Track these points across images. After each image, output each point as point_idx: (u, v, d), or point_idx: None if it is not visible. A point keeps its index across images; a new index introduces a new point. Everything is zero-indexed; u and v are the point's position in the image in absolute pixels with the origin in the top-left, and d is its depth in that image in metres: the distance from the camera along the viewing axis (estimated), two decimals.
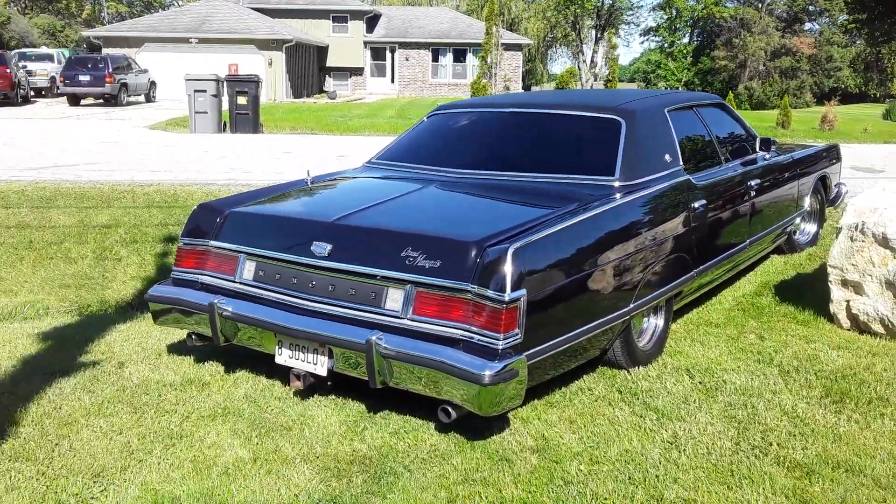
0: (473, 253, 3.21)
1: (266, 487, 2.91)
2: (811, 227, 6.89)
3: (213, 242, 4.06)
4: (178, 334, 4.68)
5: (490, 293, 3.09)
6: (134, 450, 3.21)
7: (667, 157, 4.46)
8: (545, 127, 4.69)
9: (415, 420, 3.43)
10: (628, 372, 3.96)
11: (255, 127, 17.34)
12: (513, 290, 3.09)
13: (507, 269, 3.10)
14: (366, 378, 3.36)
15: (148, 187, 9.45)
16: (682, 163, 4.53)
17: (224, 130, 17.37)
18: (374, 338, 3.25)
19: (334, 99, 34.03)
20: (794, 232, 6.51)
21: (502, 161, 4.55)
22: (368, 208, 3.88)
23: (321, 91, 39.09)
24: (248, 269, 3.91)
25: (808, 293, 5.39)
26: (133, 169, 10.93)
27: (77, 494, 2.87)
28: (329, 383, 3.66)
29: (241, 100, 17.04)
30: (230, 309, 3.78)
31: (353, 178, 4.86)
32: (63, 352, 4.51)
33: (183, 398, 3.73)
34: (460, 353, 3.11)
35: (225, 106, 17.25)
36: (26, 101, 26.77)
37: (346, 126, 19.28)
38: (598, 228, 3.68)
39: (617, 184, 4.07)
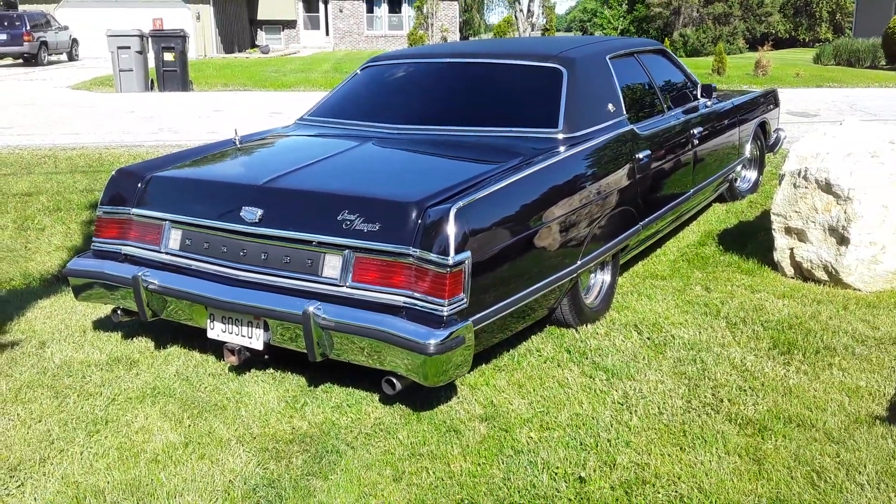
0: (414, 214, 3.03)
1: (199, 474, 2.73)
2: (752, 175, 6.89)
3: (134, 210, 3.78)
4: (104, 310, 4.40)
5: (433, 257, 2.91)
6: (55, 439, 2.98)
7: (610, 106, 4.32)
8: (484, 78, 4.49)
9: (358, 393, 3.27)
10: (576, 330, 3.87)
11: (185, 84, 16.64)
12: (457, 252, 2.92)
13: (450, 230, 2.93)
14: (304, 351, 3.17)
15: (71, 151, 8.94)
16: (625, 112, 4.39)
17: (152, 89, 16.64)
18: (311, 308, 3.06)
19: (267, 53, 33.00)
20: (736, 179, 6.50)
21: (440, 115, 4.35)
22: (301, 169, 3.64)
23: (253, 45, 37.86)
24: (174, 239, 3.65)
25: (750, 242, 5.38)
26: (54, 132, 10.35)
27: None
28: (266, 357, 3.46)
29: (168, 56, 16.31)
30: (156, 282, 3.53)
31: (285, 136, 4.59)
32: None
33: (109, 379, 3.49)
34: (403, 321, 2.94)
35: (151, 63, 16.50)
36: None
37: (281, 82, 18.68)
38: (544, 184, 3.53)
39: (560, 136, 3.91)
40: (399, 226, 3.04)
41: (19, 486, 2.69)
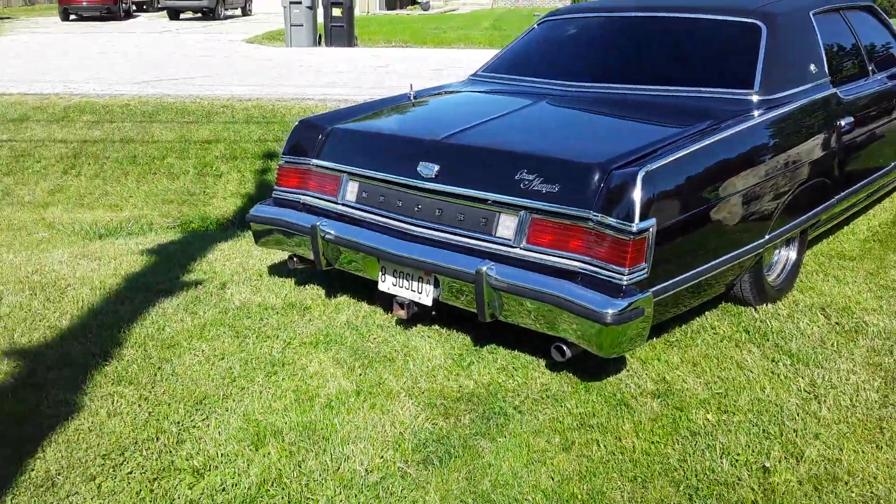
0: (597, 177, 2.90)
1: (370, 423, 2.78)
2: None
3: (314, 161, 3.88)
4: (280, 255, 4.59)
5: (615, 222, 2.78)
6: (236, 377, 3.14)
7: (812, 67, 3.95)
8: (673, 33, 4.21)
9: (523, 356, 3.22)
10: (755, 309, 3.62)
11: (350, 40, 17.03)
12: (641, 219, 2.77)
13: (636, 195, 2.78)
14: (472, 310, 3.15)
15: (247, 102, 9.39)
16: (827, 74, 4.01)
17: (319, 44, 17.17)
18: (484, 268, 3.01)
19: (427, 10, 33.18)
20: None
21: (624, 73, 4.13)
22: (478, 126, 3.58)
23: (414, 3, 38.19)
24: (351, 190, 3.71)
25: None
26: (232, 83, 10.90)
27: (178, 422, 2.82)
28: (433, 313, 3.48)
29: (336, 12, 16.70)
30: (332, 232, 3.61)
31: (459, 92, 4.54)
32: (166, 270, 4.50)
33: (284, 323, 3.64)
34: (580, 287, 2.84)
35: (320, 19, 16.99)
36: (128, 15, 27.26)
37: (441, 38, 18.72)
38: (735, 150, 3.28)
39: (756, 98, 3.61)
40: (580, 188, 2.92)
41: (204, 419, 2.85)
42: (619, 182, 2.84)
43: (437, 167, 3.32)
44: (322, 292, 4.02)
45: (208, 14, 26.48)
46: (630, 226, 2.77)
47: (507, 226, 3.12)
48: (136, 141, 8.30)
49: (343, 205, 3.72)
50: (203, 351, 3.37)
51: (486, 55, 15.07)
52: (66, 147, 8.21)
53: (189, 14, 27.11)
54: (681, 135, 3.22)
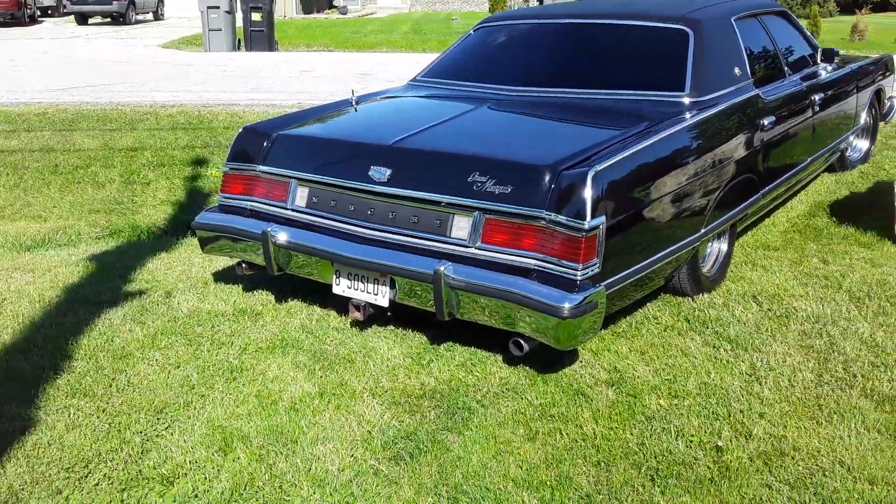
0: (547, 178, 3.02)
1: (336, 423, 2.82)
2: (863, 144, 6.61)
3: (261, 167, 3.87)
4: (222, 262, 4.56)
5: (568, 221, 2.90)
6: (195, 384, 3.12)
7: (736, 69, 4.20)
8: (605, 39, 4.40)
9: (481, 352, 3.31)
10: (693, 299, 3.81)
11: (271, 44, 16.86)
12: (592, 217, 2.90)
13: (587, 194, 2.91)
14: (429, 309, 3.22)
15: (171, 108, 9.19)
16: (750, 76, 4.26)
17: (239, 48, 16.91)
18: (441, 268, 3.09)
19: (345, 14, 33.06)
20: (847, 149, 6.24)
21: (561, 77, 4.29)
22: (426, 130, 3.66)
23: (331, 6, 37.97)
24: (301, 196, 3.73)
25: (866, 214, 5.18)
26: (153, 90, 10.64)
27: (142, 432, 2.78)
28: (389, 314, 3.53)
29: (256, 16, 16.50)
30: (284, 237, 3.62)
31: (401, 97, 4.61)
32: (106, 280, 4.40)
33: (237, 329, 3.62)
34: (535, 283, 2.95)
35: (239, 23, 16.74)
36: (33, 20, 26.15)
37: (362, 42, 18.75)
38: (673, 149, 3.47)
39: (687, 100, 3.82)
40: (532, 189, 3.04)
41: (167, 427, 2.83)
42: (569, 182, 2.96)
43: (389, 171, 3.38)
44: (272, 297, 4.02)
45: (118, 19, 25.67)
46: (582, 223, 2.89)
47: (461, 227, 3.20)
48: (57, 150, 8.02)
49: (293, 210, 3.73)
50: (157, 360, 3.33)
51: (409, 59, 15.22)
52: None
53: (98, 19, 26.22)
54: (621, 136, 3.38)
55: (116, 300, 4.02)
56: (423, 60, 14.67)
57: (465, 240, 3.18)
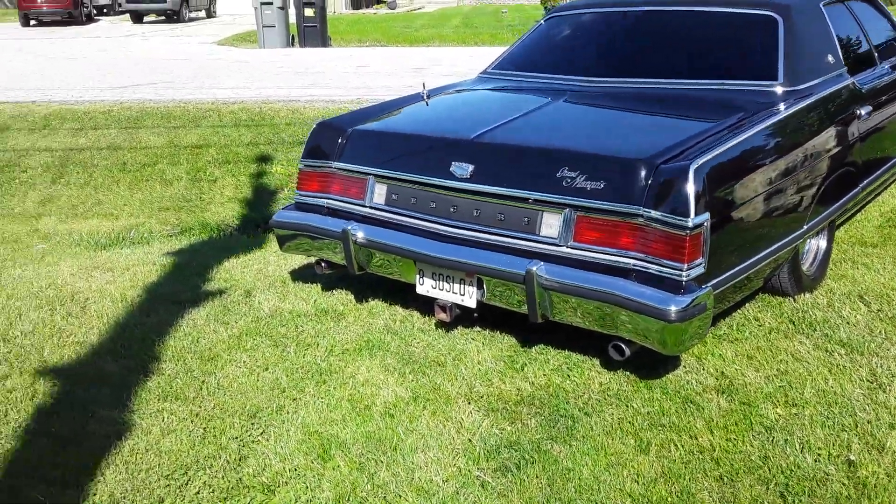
0: (644, 172, 2.87)
1: (434, 430, 2.72)
2: None
3: (336, 164, 3.79)
4: (298, 260, 4.51)
5: (669, 218, 2.75)
6: (285, 387, 3.06)
7: (829, 57, 3.98)
8: (688, 27, 4.20)
9: (575, 356, 3.18)
10: (794, 299, 3.62)
11: (324, 40, 16.87)
12: (696, 214, 2.75)
13: (689, 190, 2.75)
14: (519, 310, 3.11)
15: (232, 105, 9.22)
16: (843, 64, 4.04)
17: (292, 45, 16.97)
18: (534, 268, 2.97)
19: (394, 9, 33.03)
20: None
21: (641, 67, 4.11)
22: (508, 123, 3.53)
23: (380, 2, 38.00)
24: (379, 193, 3.64)
25: None
26: (213, 87, 10.71)
27: (237, 438, 2.73)
28: (476, 315, 3.43)
29: (309, 12, 16.51)
30: (364, 235, 3.54)
31: (474, 90, 4.48)
32: (184, 279, 4.38)
33: (321, 330, 3.56)
34: (636, 285, 2.81)
35: (292, 19, 16.80)
36: (90, 19, 26.66)
37: (413, 37, 18.65)
38: (773, 141, 3.28)
39: (781, 90, 3.62)
40: (627, 184, 2.89)
41: (262, 432, 2.76)
42: (668, 177, 2.81)
43: (471, 167, 3.27)
44: (352, 297, 3.94)
45: (172, 17, 26.01)
46: (686, 221, 2.74)
47: (551, 224, 3.07)
48: (124, 148, 8.10)
49: (371, 207, 3.65)
50: (244, 362, 3.28)
51: (462, 53, 15.08)
52: (52, 156, 7.99)
53: (153, 17, 26.61)
54: (716, 128, 3.20)
55: (197, 300, 3.99)
56: (476, 54, 14.54)
57: (555, 238, 3.05)
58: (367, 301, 3.86)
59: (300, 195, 3.95)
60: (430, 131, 3.76)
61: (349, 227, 3.56)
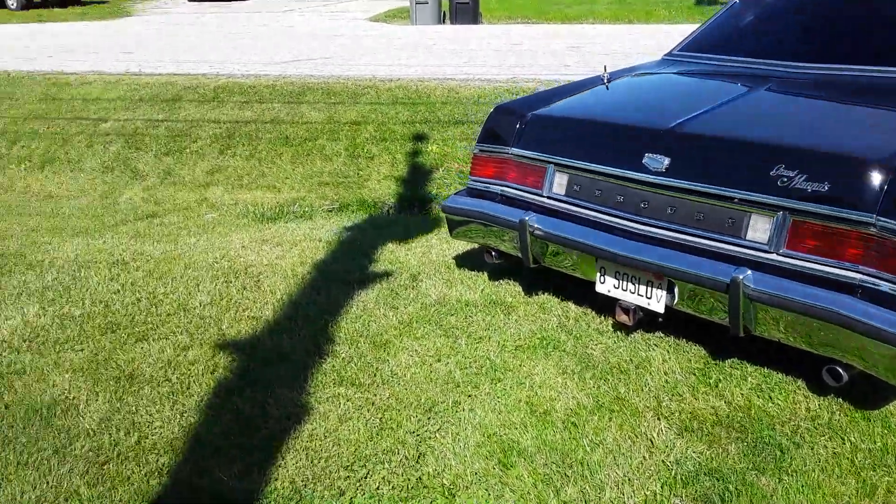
0: (880, 175, 2.51)
1: (622, 446, 2.53)
2: None
3: (513, 150, 3.63)
4: (462, 246, 4.41)
5: None
6: (458, 382, 2.95)
7: None
8: None
9: (776, 375, 2.89)
10: None
11: (475, 17, 16.75)
12: None
13: None
14: (714, 320, 2.85)
15: (389, 82, 9.26)
16: None
17: (443, 21, 16.96)
18: (741, 276, 2.69)
19: None
20: None
21: (859, 51, 3.67)
22: (709, 113, 3.24)
23: None
24: (559, 183, 3.44)
25: None
26: (370, 63, 10.82)
27: (414, 432, 2.64)
28: (660, 320, 3.19)
29: None
30: (542, 227, 3.36)
31: (660, 73, 4.18)
32: (350, 258, 4.39)
33: (492, 323, 3.43)
34: (865, 303, 2.48)
35: None
36: None
37: (564, 14, 18.18)
38: None
39: None
40: (858, 188, 2.55)
41: (438, 429, 2.67)
42: None
43: (667, 160, 3.01)
44: (520, 289, 3.79)
45: None
46: None
47: (759, 228, 2.78)
48: (287, 122, 8.30)
49: (549, 198, 3.46)
50: (416, 351, 3.20)
51: (619, 30, 14.52)
52: (220, 127, 8.31)
53: None
54: None
55: (365, 280, 3.97)
56: (633, 32, 13.97)
57: (764, 244, 2.75)
58: (536, 294, 3.70)
59: (473, 180, 3.83)
60: (619, 118, 3.52)
61: (527, 218, 3.39)
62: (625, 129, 3.33)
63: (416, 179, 7.11)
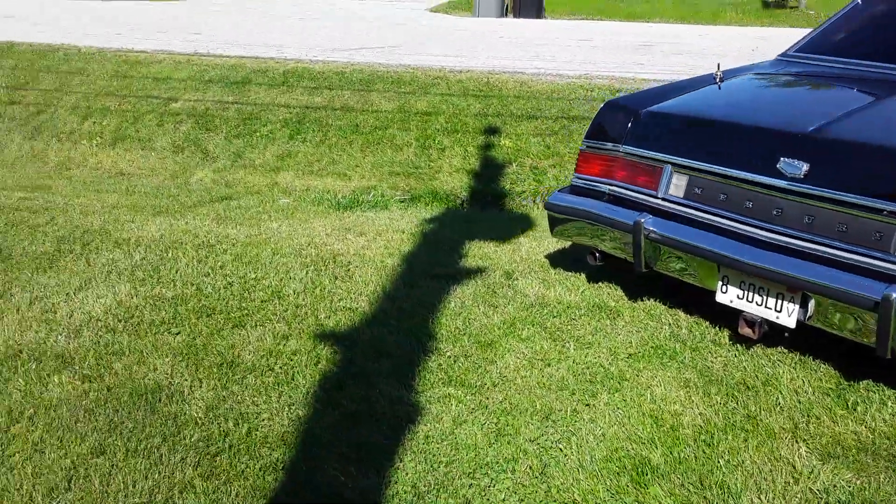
0: None
1: (762, 470, 2.36)
2: None
3: (624, 148, 3.46)
4: (552, 244, 4.26)
5: None
6: (573, 389, 2.80)
7: None
8: None
9: None
10: None
11: (539, 10, 16.53)
12: None
13: None
14: (854, 339, 2.66)
15: (459, 74, 9.11)
16: None
17: (506, 14, 16.77)
18: (894, 295, 2.50)
19: None
20: None
21: None
22: (851, 117, 3.04)
23: None
24: (677, 184, 3.27)
25: None
26: (437, 54, 10.68)
27: (535, 440, 2.50)
28: (786, 335, 3.00)
29: None
30: (657, 230, 3.19)
31: (780, 75, 3.97)
32: (437, 251, 4.26)
33: (598, 328, 3.27)
34: None
35: None
36: None
37: (628, 12, 17.87)
38: None
39: None
40: None
41: (559, 439, 2.52)
42: None
43: (806, 165, 2.82)
44: (621, 292, 3.63)
45: None
46: None
47: None
48: (356, 109, 8.21)
49: (665, 200, 3.29)
50: (523, 353, 3.06)
51: (687, 30, 14.20)
52: (290, 112, 8.25)
53: None
54: None
55: (457, 276, 3.84)
56: (705, 33, 13.64)
57: None
58: (641, 300, 3.53)
59: (578, 178, 3.67)
60: (748, 119, 3.32)
61: (642, 220, 3.22)
62: (757, 131, 3.14)
63: (488, 173, 6.96)
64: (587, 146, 3.64)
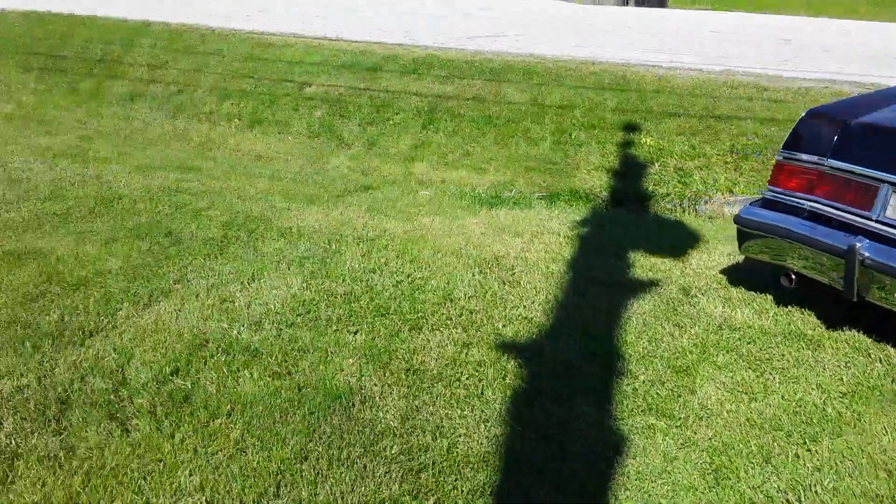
0: None
1: None
2: None
3: (830, 162, 3.17)
4: (725, 259, 4.00)
5: None
6: (789, 431, 2.56)
7: None
8: None
9: None
10: None
11: (662, 0, 15.98)
12: None
13: None
14: None
15: (592, 66, 8.82)
16: None
17: (627, 3, 16.28)
18: None
19: None
20: None
21: None
22: None
23: None
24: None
25: None
26: (565, 44, 10.40)
27: (758, 488, 2.29)
28: None
29: None
30: (875, 258, 2.91)
31: None
32: (598, 256, 4.08)
33: (800, 359, 3.01)
34: None
35: None
36: None
37: (758, 2, 17.09)
38: None
39: None
40: None
41: (784, 488, 2.30)
42: None
43: None
44: (816, 320, 3.35)
45: None
46: None
47: None
48: (488, 100, 8.05)
49: (882, 223, 2.99)
50: (724, 383, 2.84)
51: (826, 24, 13.40)
52: (421, 100, 8.16)
53: None
54: None
55: (628, 287, 3.64)
56: (845, 27, 12.84)
57: None
58: (840, 329, 3.25)
59: (773, 191, 3.40)
60: None
61: (858, 244, 2.95)
62: None
63: (629, 173, 6.69)
64: (785, 157, 3.37)
